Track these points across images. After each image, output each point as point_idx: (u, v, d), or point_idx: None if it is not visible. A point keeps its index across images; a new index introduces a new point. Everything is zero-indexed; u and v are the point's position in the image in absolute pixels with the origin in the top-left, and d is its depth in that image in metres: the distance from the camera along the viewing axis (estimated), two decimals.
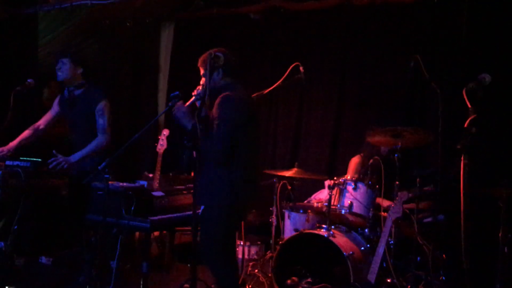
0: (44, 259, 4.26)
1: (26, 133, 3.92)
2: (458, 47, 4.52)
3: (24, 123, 3.98)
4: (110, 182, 3.07)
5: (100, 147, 3.73)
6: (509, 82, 4.09)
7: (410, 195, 3.57)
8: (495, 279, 3.41)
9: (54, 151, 3.56)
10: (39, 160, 3.48)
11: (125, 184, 3.32)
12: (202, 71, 3.03)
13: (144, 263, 3.21)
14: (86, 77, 3.87)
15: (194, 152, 2.43)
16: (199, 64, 3.06)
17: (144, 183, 3.43)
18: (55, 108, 4.00)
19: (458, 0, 4.51)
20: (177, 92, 2.88)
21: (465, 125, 2.46)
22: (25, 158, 3.47)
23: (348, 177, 4.01)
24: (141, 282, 3.27)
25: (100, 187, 3.21)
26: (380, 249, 3.34)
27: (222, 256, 2.91)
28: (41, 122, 4.00)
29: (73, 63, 3.77)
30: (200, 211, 2.85)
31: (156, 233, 4.46)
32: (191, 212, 2.89)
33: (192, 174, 5.00)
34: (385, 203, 3.93)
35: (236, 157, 2.84)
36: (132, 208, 3.11)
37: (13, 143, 3.81)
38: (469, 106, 2.50)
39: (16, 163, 3.44)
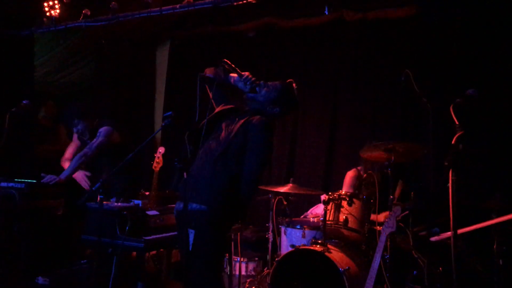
0: (41, 280, 4.23)
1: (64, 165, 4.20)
2: (448, 62, 4.57)
3: (19, 144, 4.02)
4: (104, 202, 3.09)
5: (80, 160, 3.90)
6: (497, 97, 4.13)
7: (404, 212, 3.58)
8: None
9: (42, 174, 3.69)
10: (34, 181, 3.49)
11: (119, 203, 3.32)
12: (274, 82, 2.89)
13: (139, 283, 3.21)
14: (101, 119, 4.16)
15: (185, 174, 2.44)
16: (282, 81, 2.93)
17: (139, 202, 3.43)
18: (76, 141, 4.32)
19: (448, 16, 4.57)
20: (170, 112, 2.88)
21: (453, 142, 2.48)
22: (19, 180, 3.48)
23: (343, 192, 4.01)
24: None
25: (95, 207, 3.22)
26: (375, 263, 3.33)
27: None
28: (67, 156, 4.29)
29: (86, 121, 4.10)
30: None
31: (153, 251, 4.45)
32: None
33: None
34: (382, 217, 3.93)
35: None
36: (127, 228, 3.11)
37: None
38: (456, 122, 2.52)
39: (10, 184, 3.44)
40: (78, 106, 4.14)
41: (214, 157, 2.69)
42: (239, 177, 2.66)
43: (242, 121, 2.76)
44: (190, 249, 2.58)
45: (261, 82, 2.84)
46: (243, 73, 2.80)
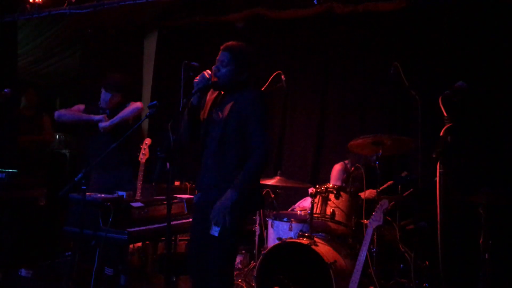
0: (23, 272, 4.17)
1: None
2: (437, 54, 4.55)
3: (1, 134, 3.92)
4: (87, 193, 3.02)
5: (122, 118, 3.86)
6: (486, 90, 4.12)
7: (391, 203, 3.56)
8: (477, 286, 3.41)
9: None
10: (15, 170, 3.41)
11: (103, 195, 3.25)
12: (222, 57, 2.71)
13: (122, 275, 3.15)
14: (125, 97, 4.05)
15: (168, 164, 2.37)
16: (223, 47, 2.73)
17: (123, 193, 3.37)
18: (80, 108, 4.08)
19: (438, 9, 4.55)
20: (155, 102, 2.82)
21: (441, 134, 2.45)
22: (0, 170, 3.40)
23: (330, 185, 3.99)
24: None
25: (78, 198, 3.15)
26: (362, 257, 3.31)
27: None
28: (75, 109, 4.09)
29: (118, 96, 3.98)
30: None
31: (138, 244, 4.40)
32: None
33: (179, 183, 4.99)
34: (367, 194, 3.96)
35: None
36: (110, 219, 3.04)
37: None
38: (445, 114, 2.50)
39: None
40: (119, 78, 4.07)
41: (216, 144, 2.66)
42: (246, 157, 2.59)
43: (232, 101, 2.69)
44: (217, 235, 2.51)
45: (213, 67, 2.72)
46: (195, 79, 2.68)
